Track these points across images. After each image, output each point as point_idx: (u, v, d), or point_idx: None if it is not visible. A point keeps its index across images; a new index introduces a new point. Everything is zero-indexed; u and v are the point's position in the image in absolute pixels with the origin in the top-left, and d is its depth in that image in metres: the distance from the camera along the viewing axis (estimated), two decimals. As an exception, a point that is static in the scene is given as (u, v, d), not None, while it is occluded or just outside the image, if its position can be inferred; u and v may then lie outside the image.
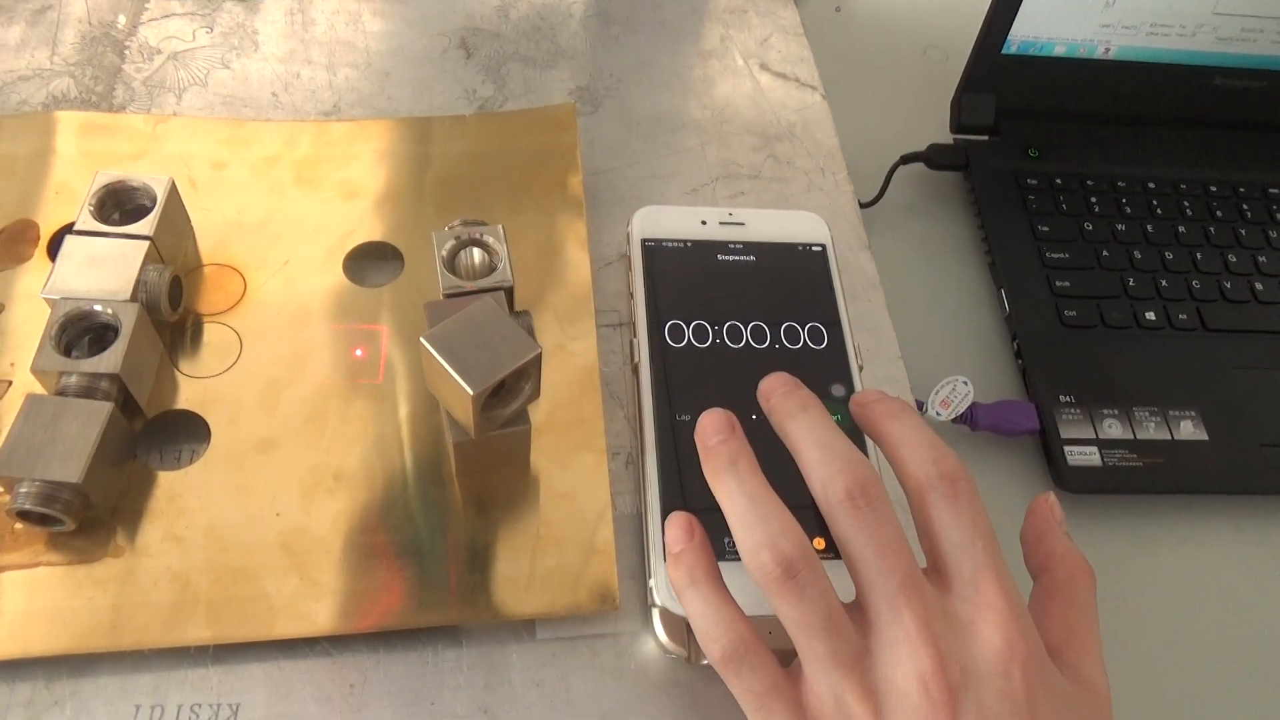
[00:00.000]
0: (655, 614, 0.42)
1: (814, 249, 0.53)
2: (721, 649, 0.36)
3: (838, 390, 0.47)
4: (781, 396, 0.40)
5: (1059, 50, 0.67)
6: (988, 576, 0.35)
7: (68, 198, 0.52)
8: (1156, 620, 0.53)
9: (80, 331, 0.44)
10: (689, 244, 0.52)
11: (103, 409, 0.41)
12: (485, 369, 0.39)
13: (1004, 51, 0.66)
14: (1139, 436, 0.56)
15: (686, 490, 0.43)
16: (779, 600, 0.35)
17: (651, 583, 0.42)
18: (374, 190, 0.55)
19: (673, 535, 0.39)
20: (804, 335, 0.49)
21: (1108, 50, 0.67)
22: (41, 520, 0.40)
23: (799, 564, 0.35)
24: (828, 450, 0.37)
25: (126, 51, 0.61)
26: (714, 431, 0.39)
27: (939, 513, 0.37)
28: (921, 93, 0.74)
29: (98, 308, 0.44)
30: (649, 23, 0.68)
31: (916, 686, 0.33)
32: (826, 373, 0.48)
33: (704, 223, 0.53)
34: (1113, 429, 0.56)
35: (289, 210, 0.53)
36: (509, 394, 0.41)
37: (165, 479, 0.44)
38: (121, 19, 0.63)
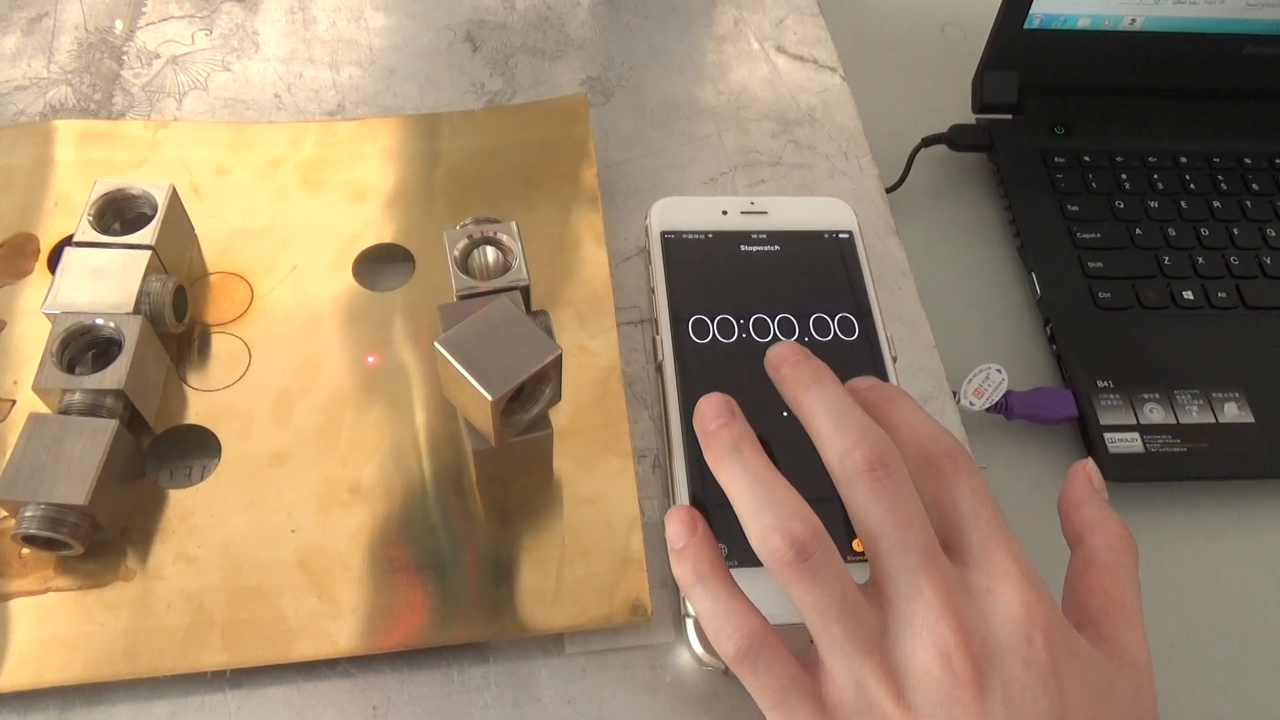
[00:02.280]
0: (689, 624, 0.41)
1: (841, 236, 0.51)
2: (735, 645, 0.35)
3: (871, 383, 0.46)
4: (793, 366, 0.39)
5: (1083, 23, 0.65)
6: (997, 545, 0.35)
7: (68, 209, 0.51)
8: (1207, 612, 0.51)
9: (83, 347, 0.43)
10: (710, 235, 0.51)
11: (107, 427, 0.40)
12: (504, 373, 0.37)
13: (1026, 26, 0.65)
14: (1182, 421, 0.55)
15: (716, 492, 0.42)
16: (792, 584, 0.34)
17: None
18: (382, 191, 0.53)
19: (673, 531, 0.38)
20: (834, 327, 0.48)
21: (1133, 21, 0.65)
22: (48, 545, 0.39)
23: (811, 545, 0.34)
24: (844, 420, 0.36)
25: (124, 57, 0.60)
26: (713, 416, 0.38)
27: (942, 488, 0.36)
28: (940, 72, 0.72)
29: (99, 321, 0.42)
30: (660, 8, 0.67)
31: (939, 662, 0.32)
32: (859, 365, 0.46)
33: (725, 213, 0.52)
34: (1154, 414, 0.55)
35: (295, 214, 0.52)
36: (529, 398, 0.40)
37: (175, 497, 0.43)
38: (118, 24, 0.61)
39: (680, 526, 0.38)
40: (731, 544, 0.40)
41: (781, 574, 0.34)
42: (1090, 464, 0.40)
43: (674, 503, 0.43)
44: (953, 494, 0.36)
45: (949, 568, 0.34)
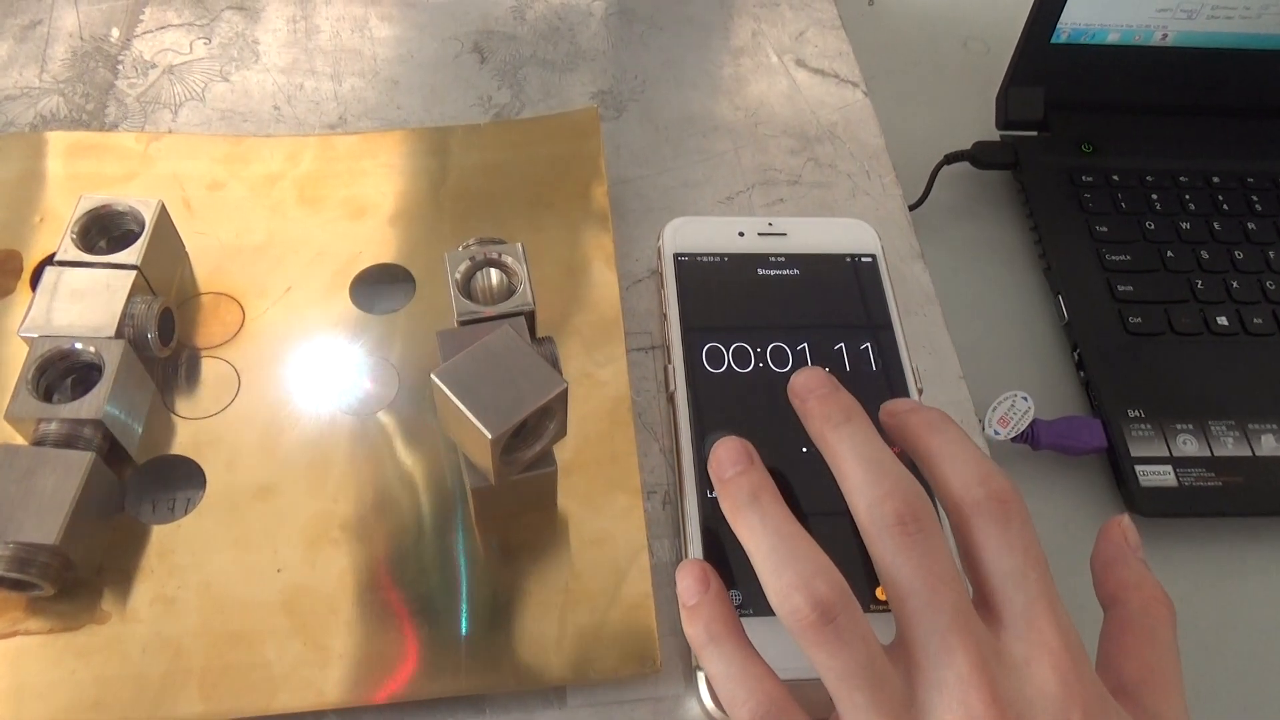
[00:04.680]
0: (700, 677, 0.39)
1: (864, 260, 0.49)
2: (750, 713, 0.33)
3: (895, 418, 0.44)
4: (820, 400, 0.37)
5: (1112, 38, 0.64)
6: (1043, 612, 0.32)
7: (54, 225, 0.49)
8: (1242, 655, 0.49)
9: (61, 373, 0.41)
10: (726, 258, 0.49)
11: (83, 460, 0.38)
12: (505, 409, 0.35)
13: (1053, 40, 0.63)
14: (1217, 453, 0.53)
15: (732, 533, 0.40)
16: (814, 648, 0.32)
17: None
18: (383, 208, 0.52)
19: (685, 587, 0.36)
20: (856, 356, 0.46)
21: (1165, 36, 0.64)
22: (16, 586, 0.37)
23: (836, 607, 0.32)
24: (875, 469, 0.34)
25: (119, 66, 0.58)
26: (730, 463, 0.36)
27: (988, 538, 0.34)
28: (963, 88, 0.71)
29: (79, 346, 0.40)
30: (675, 19, 0.65)
31: None
32: (882, 397, 0.44)
33: (741, 234, 0.50)
34: (1188, 445, 0.53)
35: (291, 232, 0.50)
36: (532, 434, 0.38)
37: (156, 533, 0.41)
38: (115, 32, 0.60)
39: (692, 582, 0.36)
40: (746, 590, 0.38)
41: (802, 636, 0.32)
42: (1126, 520, 0.38)
43: (685, 543, 0.41)
44: (999, 547, 0.33)
45: (983, 632, 0.32)
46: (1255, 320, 0.58)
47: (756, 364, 0.45)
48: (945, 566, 0.32)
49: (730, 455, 0.36)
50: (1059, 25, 0.62)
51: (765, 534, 0.34)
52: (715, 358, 0.45)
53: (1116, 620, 0.36)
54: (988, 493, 0.34)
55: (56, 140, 0.52)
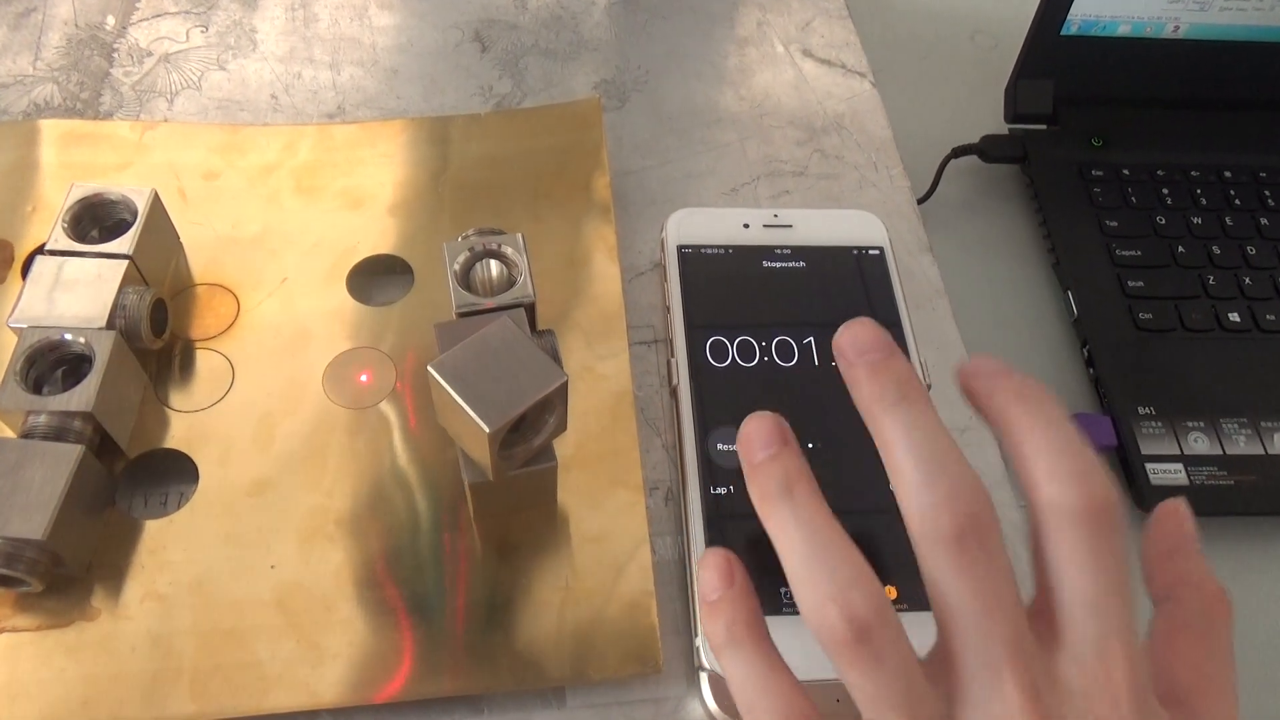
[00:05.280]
0: (703, 678, 0.38)
1: (871, 252, 0.49)
2: None
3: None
4: (872, 370, 0.31)
5: (1123, 30, 0.63)
6: (1116, 649, 0.29)
7: (46, 214, 0.49)
8: (1254, 656, 0.48)
9: (51, 364, 0.40)
10: (730, 250, 0.49)
11: (71, 453, 0.37)
12: (503, 402, 0.34)
13: (1063, 33, 0.62)
14: (1229, 452, 0.52)
15: (736, 529, 0.39)
16: (847, 668, 0.29)
17: (698, 641, 0.38)
18: (381, 198, 0.51)
19: (707, 580, 0.32)
20: (862, 350, 0.45)
21: (1177, 28, 0.63)
22: (3, 582, 0.36)
23: (874, 625, 0.28)
24: (934, 468, 0.29)
25: (115, 55, 0.57)
26: (762, 444, 0.32)
27: (1072, 553, 0.29)
28: (971, 81, 0.70)
29: (68, 337, 0.40)
30: (679, 8, 0.65)
31: None
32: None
33: (746, 226, 0.50)
34: (1199, 443, 0.52)
35: (287, 222, 0.50)
36: (531, 428, 0.37)
37: (148, 528, 0.40)
38: (110, 20, 0.59)
39: (715, 575, 0.32)
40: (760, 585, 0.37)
41: (835, 654, 0.29)
42: (1183, 505, 0.34)
43: (688, 540, 0.40)
44: (1083, 566, 0.29)
45: (1036, 659, 0.29)
46: (1268, 317, 0.57)
47: (761, 358, 0.45)
48: (1004, 589, 0.29)
49: (762, 435, 0.32)
50: (1069, 17, 0.61)
51: (799, 532, 0.30)
52: (719, 351, 0.45)
53: (1170, 619, 0.33)
54: (1082, 497, 0.29)
55: (50, 129, 0.52)
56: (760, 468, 0.31)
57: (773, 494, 0.31)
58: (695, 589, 0.38)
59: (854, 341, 0.32)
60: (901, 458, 0.30)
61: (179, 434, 0.42)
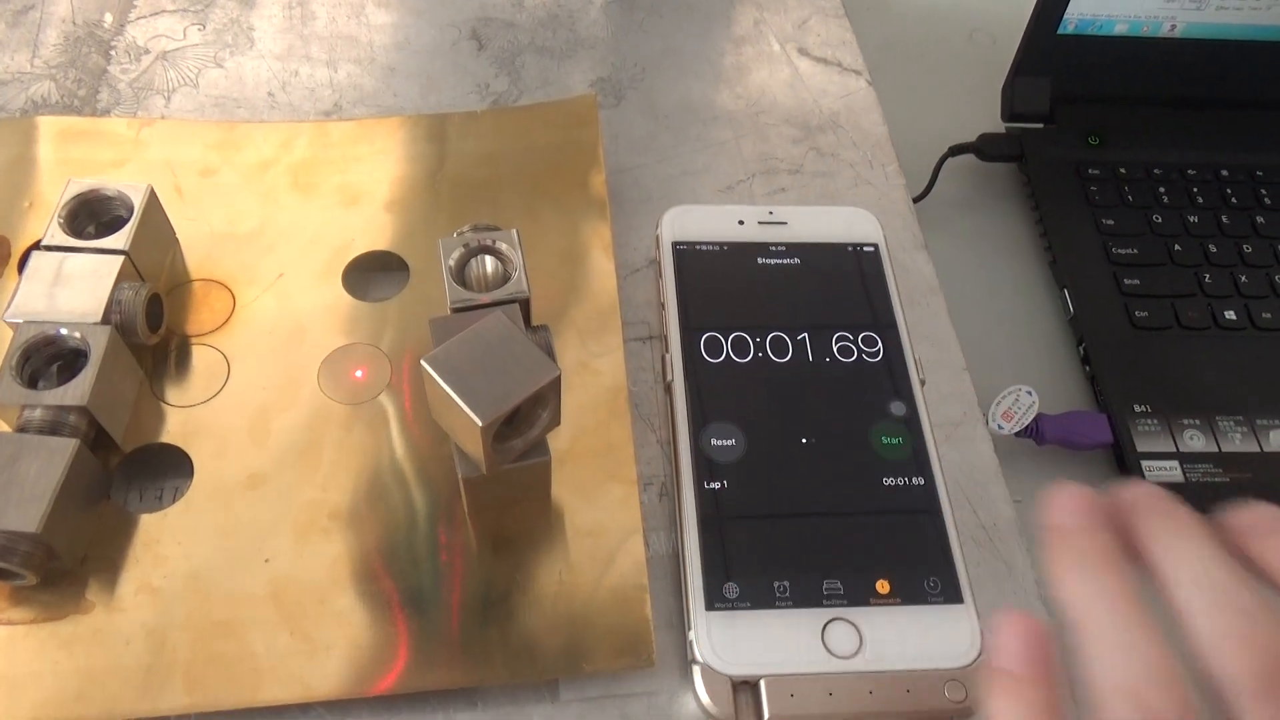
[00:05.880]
0: (696, 671, 0.38)
1: (865, 249, 0.49)
2: None
3: (897, 408, 0.44)
4: (1150, 500, 0.29)
5: (1120, 29, 0.63)
6: None
7: (43, 210, 0.49)
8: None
9: (47, 359, 0.40)
10: (725, 247, 0.49)
11: (66, 446, 0.37)
12: (496, 396, 0.34)
13: (1060, 31, 0.62)
14: (1224, 449, 0.52)
15: (729, 525, 0.39)
16: None
17: (692, 635, 0.38)
18: (377, 195, 0.51)
19: (1008, 650, 0.27)
20: (857, 346, 0.45)
21: (1173, 27, 0.63)
22: (-2, 574, 0.36)
23: None
24: (1242, 616, 0.26)
25: (112, 52, 0.57)
26: (1075, 515, 0.29)
27: None
28: (968, 79, 0.70)
29: (64, 332, 0.40)
30: (675, 6, 0.65)
31: None
32: (884, 388, 0.44)
33: (741, 223, 0.50)
34: (1195, 441, 0.52)
35: (284, 219, 0.50)
36: (524, 422, 0.37)
37: (143, 522, 0.40)
38: (108, 18, 0.59)
39: (1020, 646, 0.27)
40: (742, 583, 0.37)
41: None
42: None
43: (681, 535, 0.40)
44: None
45: None
46: (1264, 315, 0.57)
47: (755, 354, 0.45)
48: None
49: (1077, 506, 0.29)
50: (1066, 16, 0.61)
51: (1103, 611, 0.27)
52: (714, 348, 0.45)
53: None
54: None
55: (47, 125, 0.52)
56: (1072, 538, 0.29)
57: (1078, 564, 0.28)
58: (690, 584, 0.38)
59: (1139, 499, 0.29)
60: (1196, 603, 0.26)
61: (174, 428, 0.42)
